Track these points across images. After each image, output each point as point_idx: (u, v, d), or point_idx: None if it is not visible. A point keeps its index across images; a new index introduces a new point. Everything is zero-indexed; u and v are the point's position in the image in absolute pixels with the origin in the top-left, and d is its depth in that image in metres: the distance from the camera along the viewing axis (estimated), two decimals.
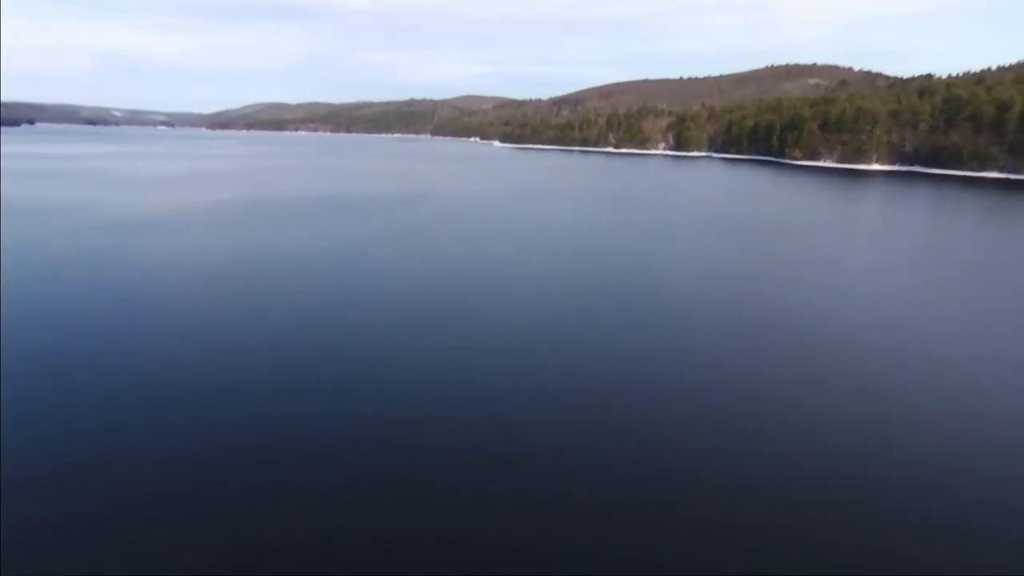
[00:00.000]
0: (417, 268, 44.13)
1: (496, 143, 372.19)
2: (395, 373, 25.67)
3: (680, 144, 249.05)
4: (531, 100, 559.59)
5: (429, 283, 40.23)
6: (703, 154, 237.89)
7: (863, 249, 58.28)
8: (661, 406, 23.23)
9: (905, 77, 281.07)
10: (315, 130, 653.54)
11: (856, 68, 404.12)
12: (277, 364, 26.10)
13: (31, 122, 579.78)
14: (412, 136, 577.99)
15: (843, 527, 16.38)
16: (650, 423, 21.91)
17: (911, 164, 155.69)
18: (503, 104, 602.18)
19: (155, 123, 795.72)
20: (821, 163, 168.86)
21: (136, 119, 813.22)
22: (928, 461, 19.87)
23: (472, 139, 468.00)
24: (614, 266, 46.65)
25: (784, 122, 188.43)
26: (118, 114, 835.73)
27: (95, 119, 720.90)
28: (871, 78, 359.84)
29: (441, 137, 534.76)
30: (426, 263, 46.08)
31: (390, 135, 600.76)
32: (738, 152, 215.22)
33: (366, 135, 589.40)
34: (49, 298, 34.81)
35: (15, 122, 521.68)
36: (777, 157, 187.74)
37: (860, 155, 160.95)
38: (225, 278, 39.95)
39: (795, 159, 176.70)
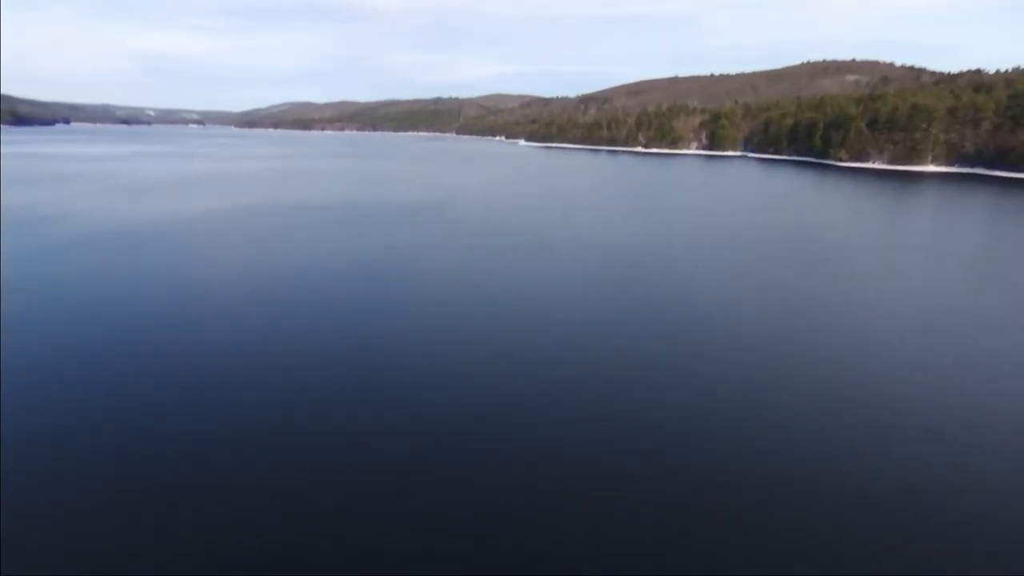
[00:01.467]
0: (431, 285, 40.90)
1: (522, 142, 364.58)
2: (402, 380, 25.10)
3: (713, 143, 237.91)
4: (557, 98, 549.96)
5: (445, 298, 37.64)
6: (738, 154, 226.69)
7: (935, 262, 49.61)
8: (677, 415, 22.90)
9: (953, 72, 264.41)
10: (341, 129, 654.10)
11: (897, 64, 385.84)
12: (272, 366, 25.95)
13: (66, 121, 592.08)
14: (437, 135, 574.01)
15: (863, 530, 16.40)
16: (664, 430, 21.76)
17: (972, 166, 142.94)
18: (529, 102, 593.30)
19: (187, 122, 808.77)
20: (870, 164, 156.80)
21: (169, 118, 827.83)
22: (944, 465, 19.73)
23: (497, 138, 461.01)
24: (649, 286, 39.85)
25: (828, 120, 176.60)
26: (152, 113, 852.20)
27: (129, 119, 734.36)
28: (915, 73, 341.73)
29: (466, 136, 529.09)
30: (442, 280, 42.57)
31: (415, 134, 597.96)
32: (776, 152, 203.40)
33: (391, 134, 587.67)
34: (47, 300, 34.56)
35: (51, 121, 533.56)
36: (820, 158, 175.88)
37: (914, 156, 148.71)
38: (220, 288, 38.31)
39: (840, 160, 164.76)
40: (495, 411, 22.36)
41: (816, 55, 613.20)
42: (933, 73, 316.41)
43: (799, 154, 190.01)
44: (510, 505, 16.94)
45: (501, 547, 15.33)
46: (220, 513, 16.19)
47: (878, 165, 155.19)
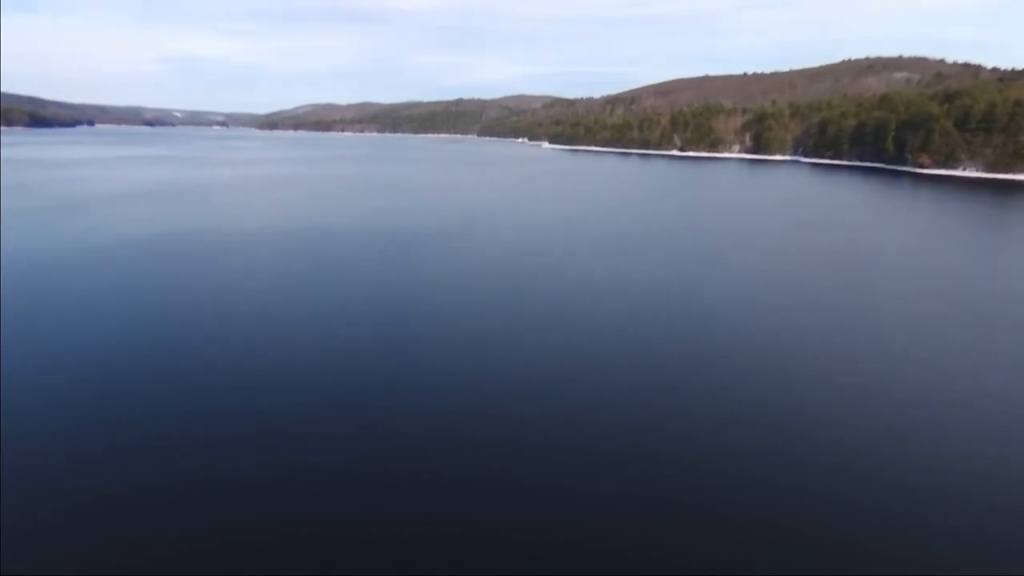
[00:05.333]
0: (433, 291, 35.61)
1: (545, 144, 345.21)
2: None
3: (759, 146, 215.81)
4: (582, 99, 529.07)
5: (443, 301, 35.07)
6: (787, 158, 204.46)
7: None
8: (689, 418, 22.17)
9: (1018, 69, 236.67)
10: (362, 130, 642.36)
11: (949, 60, 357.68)
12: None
13: (91, 123, 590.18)
14: (459, 136, 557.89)
15: (865, 531, 16.03)
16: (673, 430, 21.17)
17: None
18: (553, 103, 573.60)
19: (211, 123, 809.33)
20: (960, 172, 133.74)
21: (195, 120, 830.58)
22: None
23: (520, 140, 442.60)
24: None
25: (902, 120, 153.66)
26: (178, 115, 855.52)
27: (156, 120, 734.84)
28: (972, 70, 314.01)
29: (488, 138, 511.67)
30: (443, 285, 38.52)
31: (436, 135, 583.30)
32: (835, 156, 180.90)
33: (411, 136, 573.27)
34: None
35: (72, 123, 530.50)
36: (892, 163, 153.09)
37: (1018, 161, 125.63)
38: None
39: (922, 166, 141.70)
40: (495, 412, 22.33)
41: (852, 53, 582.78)
42: (993, 70, 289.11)
43: (864, 158, 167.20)
44: (512, 506, 16.84)
45: (503, 548, 15.18)
46: (221, 513, 16.16)
47: (971, 172, 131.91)
